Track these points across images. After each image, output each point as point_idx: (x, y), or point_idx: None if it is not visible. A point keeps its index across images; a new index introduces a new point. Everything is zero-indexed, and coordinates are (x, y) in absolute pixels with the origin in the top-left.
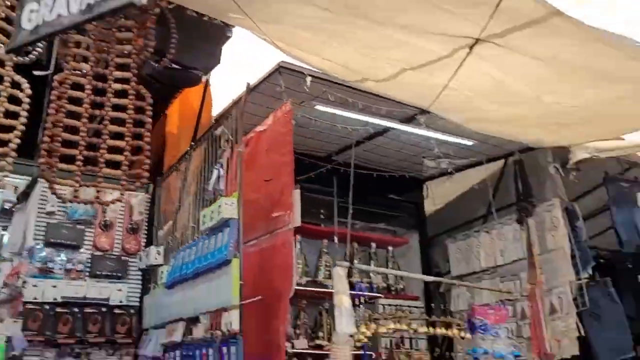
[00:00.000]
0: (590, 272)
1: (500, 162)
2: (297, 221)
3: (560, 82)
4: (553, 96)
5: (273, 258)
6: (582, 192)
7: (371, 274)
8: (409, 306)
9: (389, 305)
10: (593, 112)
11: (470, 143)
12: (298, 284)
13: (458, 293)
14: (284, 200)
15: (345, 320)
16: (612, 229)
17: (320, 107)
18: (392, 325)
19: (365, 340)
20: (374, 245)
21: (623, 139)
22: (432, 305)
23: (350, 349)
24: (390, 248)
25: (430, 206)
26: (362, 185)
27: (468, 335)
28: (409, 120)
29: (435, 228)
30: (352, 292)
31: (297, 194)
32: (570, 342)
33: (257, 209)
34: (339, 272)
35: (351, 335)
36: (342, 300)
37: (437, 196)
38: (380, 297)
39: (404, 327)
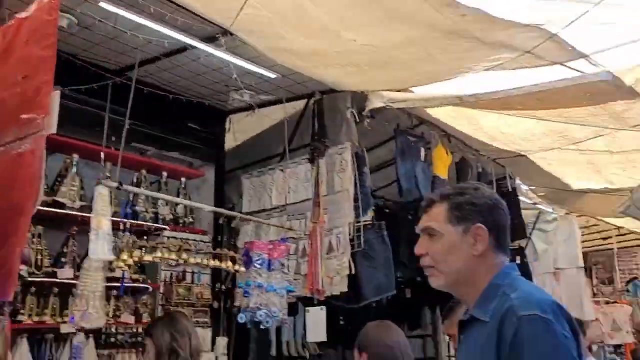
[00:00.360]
0: (370, 216)
1: (303, 102)
2: (52, 127)
3: (355, 15)
4: (350, 32)
5: (19, 168)
6: (378, 143)
7: (159, 204)
8: (195, 240)
9: (175, 238)
10: (384, 55)
11: (274, 76)
12: (70, 209)
13: (247, 230)
14: (39, 102)
15: (101, 245)
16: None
17: (105, 6)
18: (159, 255)
19: (126, 268)
20: (165, 174)
21: (413, 92)
22: (216, 239)
23: (104, 277)
24: (183, 180)
25: (231, 141)
26: (157, 108)
27: (243, 269)
28: (210, 40)
29: (233, 163)
30: (135, 221)
31: (56, 95)
32: (341, 280)
33: (10, 110)
34: (101, 192)
35: (111, 264)
36: (102, 223)
37: (238, 131)
38: (165, 229)
39: (173, 256)
